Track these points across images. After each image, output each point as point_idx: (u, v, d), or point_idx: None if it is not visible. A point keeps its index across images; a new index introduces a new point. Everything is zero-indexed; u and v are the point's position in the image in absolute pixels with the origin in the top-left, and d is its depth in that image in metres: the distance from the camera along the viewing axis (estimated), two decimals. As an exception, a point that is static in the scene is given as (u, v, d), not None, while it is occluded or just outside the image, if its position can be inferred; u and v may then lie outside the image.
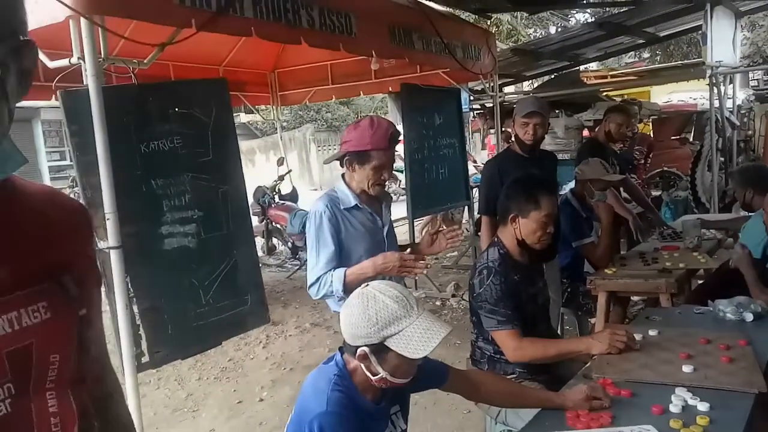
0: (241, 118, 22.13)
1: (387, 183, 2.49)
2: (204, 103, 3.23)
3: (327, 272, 2.34)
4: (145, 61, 3.12)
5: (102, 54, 2.82)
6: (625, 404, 1.77)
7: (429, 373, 1.76)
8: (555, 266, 3.49)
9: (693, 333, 2.24)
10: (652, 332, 2.28)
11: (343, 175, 2.49)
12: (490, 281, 2.27)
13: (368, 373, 1.54)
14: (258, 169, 20.47)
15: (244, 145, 21.83)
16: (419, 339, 1.48)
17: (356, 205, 2.43)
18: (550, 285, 3.35)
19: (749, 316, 2.37)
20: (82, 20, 2.70)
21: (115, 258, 2.80)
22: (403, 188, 9.17)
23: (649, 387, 1.86)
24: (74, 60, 2.80)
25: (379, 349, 1.50)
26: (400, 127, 6.93)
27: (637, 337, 2.22)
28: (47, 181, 19.01)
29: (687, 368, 1.92)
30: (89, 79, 2.73)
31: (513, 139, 3.73)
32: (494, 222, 3.57)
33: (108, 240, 2.80)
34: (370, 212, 2.49)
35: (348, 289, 2.28)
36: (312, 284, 2.39)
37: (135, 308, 2.93)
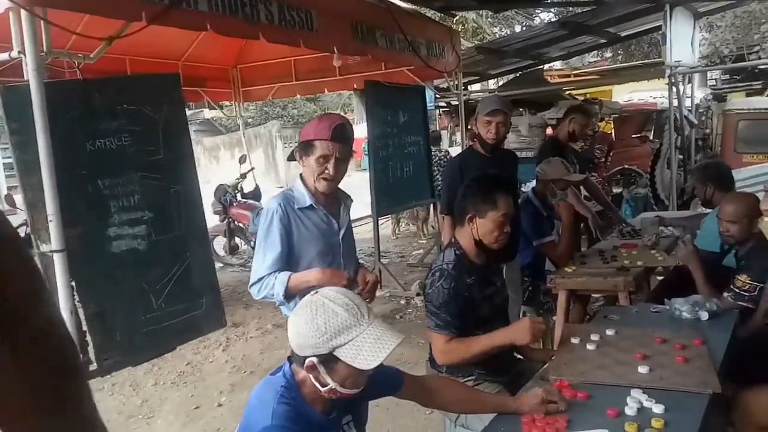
0: (205, 114, 21.81)
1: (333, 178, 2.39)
2: (154, 99, 3.11)
3: (271, 273, 2.30)
4: (91, 56, 2.98)
5: (44, 48, 2.68)
6: (581, 407, 1.75)
7: (382, 381, 1.71)
8: (516, 265, 3.48)
9: (649, 333, 2.23)
10: (609, 332, 2.27)
11: (301, 175, 2.44)
12: (440, 284, 2.24)
13: (317, 384, 1.48)
14: (222, 166, 20.16)
15: (208, 141, 21.51)
16: (369, 349, 1.41)
17: (311, 205, 2.38)
18: (511, 284, 3.35)
19: (705, 315, 2.38)
20: (23, 12, 2.56)
21: (58, 261, 2.68)
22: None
23: (605, 389, 1.84)
24: (14, 54, 2.65)
25: (328, 360, 1.44)
26: (364, 125, 6.92)
27: (595, 337, 2.21)
28: (1, 178, 18.39)
29: (642, 369, 1.91)
30: (30, 74, 2.60)
31: (476, 137, 3.71)
32: (454, 220, 3.56)
33: (51, 243, 2.67)
34: (325, 213, 2.43)
35: (289, 294, 2.27)
36: (254, 283, 2.35)
37: (81, 314, 2.81)
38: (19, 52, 2.65)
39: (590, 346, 2.13)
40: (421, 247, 8.44)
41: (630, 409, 1.69)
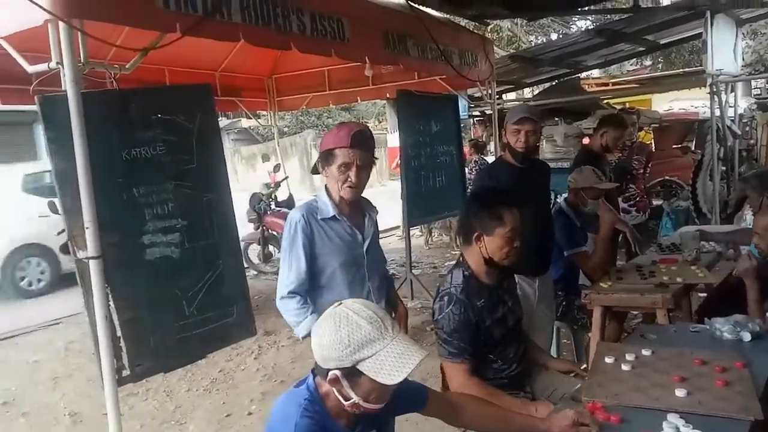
0: (243, 123, 22.15)
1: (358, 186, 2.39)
2: (188, 109, 3.15)
3: (304, 305, 2.36)
4: (127, 66, 3.04)
5: (82, 58, 2.75)
6: (614, 431, 1.68)
7: (407, 396, 1.68)
8: (548, 279, 3.39)
9: (688, 353, 2.14)
10: (645, 352, 2.18)
11: (326, 186, 2.44)
12: (450, 310, 2.18)
13: (340, 398, 1.45)
14: (258, 175, 20.45)
15: (245, 150, 21.85)
16: (393, 364, 1.39)
17: (334, 216, 2.38)
18: (544, 299, 3.27)
19: (747, 336, 2.27)
20: (61, 24, 2.63)
21: (94, 268, 2.72)
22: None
23: (640, 412, 1.77)
24: (53, 65, 2.72)
25: (352, 373, 1.41)
26: (398, 134, 6.90)
27: (630, 357, 2.13)
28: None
29: (680, 392, 1.83)
30: (68, 84, 2.66)
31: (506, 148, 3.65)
32: None
33: (87, 249, 2.72)
34: (349, 225, 2.41)
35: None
36: (282, 298, 2.40)
37: (115, 319, 2.85)
38: (57, 63, 2.71)
39: (625, 367, 2.05)
40: (453, 258, 8.36)
41: (666, 435, 1.62)
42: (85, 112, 2.66)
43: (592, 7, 7.47)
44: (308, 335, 2.29)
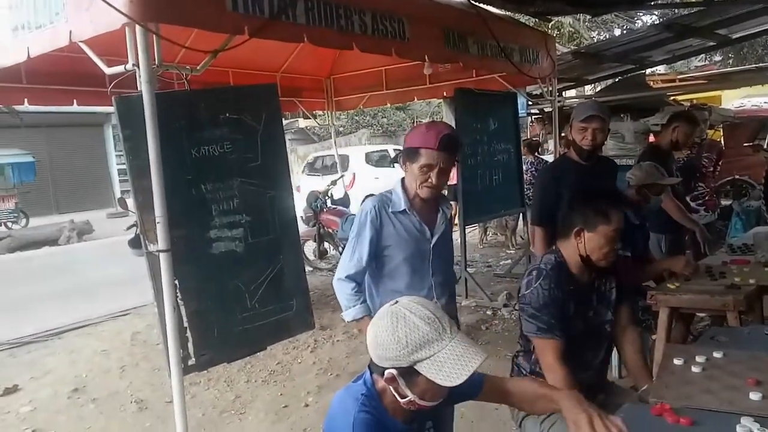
0: (300, 123, 22.55)
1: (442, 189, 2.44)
2: (254, 108, 3.25)
3: (357, 290, 2.44)
4: (198, 68, 3.16)
5: (156, 60, 2.88)
6: (684, 434, 1.63)
7: (462, 387, 1.67)
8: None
9: (763, 356, 2.05)
10: (717, 354, 2.09)
11: (402, 179, 2.47)
12: (539, 284, 2.14)
13: (396, 395, 1.46)
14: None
15: (301, 149, 22.23)
16: (452, 365, 1.37)
17: (405, 210, 2.40)
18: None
19: (828, 341, 2.16)
20: (138, 28, 2.76)
21: (164, 261, 2.84)
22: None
23: (711, 415, 1.70)
24: (129, 66, 2.86)
25: (409, 373, 1.41)
26: (454, 133, 6.88)
27: (700, 359, 2.06)
28: (116, 183, 19.93)
29: (755, 395, 1.75)
30: (143, 85, 2.79)
31: (571, 145, 3.58)
32: (548, 232, 3.42)
33: (158, 243, 2.85)
34: (418, 220, 2.43)
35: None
36: (339, 280, 2.47)
37: (182, 311, 2.97)
38: (133, 65, 2.85)
39: (695, 369, 1.98)
40: (508, 257, 8.26)
41: (740, 439, 1.56)
42: (158, 111, 2.78)
43: (660, 1, 7.19)
44: (353, 320, 2.46)
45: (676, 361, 2.06)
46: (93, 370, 4.97)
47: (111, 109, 3.06)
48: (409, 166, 2.35)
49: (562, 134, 7.05)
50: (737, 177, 8.38)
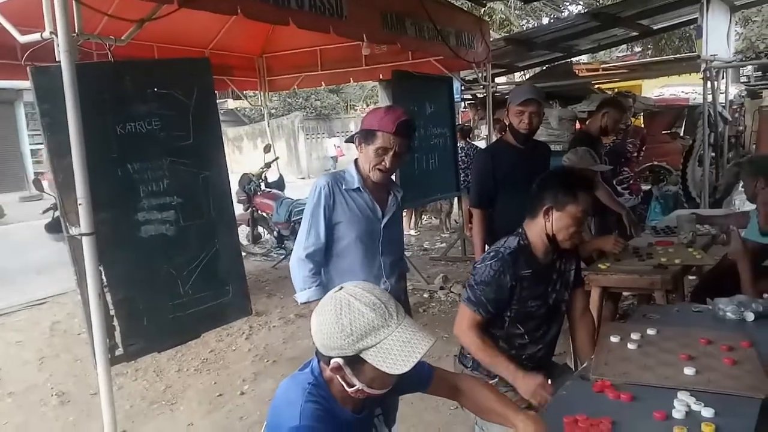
0: (229, 104, 21.91)
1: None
2: (185, 83, 3.08)
3: (315, 272, 2.40)
4: (122, 38, 2.95)
5: (76, 29, 2.65)
6: (625, 409, 1.67)
7: (412, 376, 1.64)
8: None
9: (693, 333, 2.14)
10: (650, 331, 2.18)
11: (356, 160, 2.48)
12: (491, 263, 2.19)
13: (344, 384, 1.41)
14: (245, 156, 20.28)
15: (231, 131, 21.63)
16: (398, 353, 1.32)
17: (358, 188, 2.42)
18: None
19: (750, 316, 2.28)
20: (55, -8, 2.53)
21: (87, 245, 2.65)
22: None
23: (650, 390, 1.76)
24: (46, 35, 2.62)
25: (355, 361, 1.36)
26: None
27: (636, 336, 2.13)
28: (29, 164, 18.69)
29: (689, 371, 1.83)
30: (62, 55, 2.56)
31: (507, 128, 3.61)
32: (486, 215, 3.46)
33: (80, 226, 2.65)
34: (371, 199, 2.45)
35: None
36: (299, 259, 2.41)
37: (108, 298, 2.79)
38: (51, 33, 2.62)
39: (631, 346, 2.05)
40: (443, 240, 8.36)
41: (678, 413, 1.61)
42: (79, 84, 2.57)
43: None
44: (306, 302, 2.41)
45: (613, 339, 2.13)
46: (8, 362, 4.65)
47: (23, 85, 2.81)
48: (365, 148, 2.36)
49: (496, 118, 7.17)
50: (656, 163, 8.83)
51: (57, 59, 2.60)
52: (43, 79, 2.68)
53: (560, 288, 2.33)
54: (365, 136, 2.36)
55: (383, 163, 2.34)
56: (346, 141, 2.57)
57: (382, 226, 2.48)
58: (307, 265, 2.40)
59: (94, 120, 2.70)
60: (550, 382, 2.11)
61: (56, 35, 2.59)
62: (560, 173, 2.34)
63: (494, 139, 6.87)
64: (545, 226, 2.19)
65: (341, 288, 1.41)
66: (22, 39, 2.77)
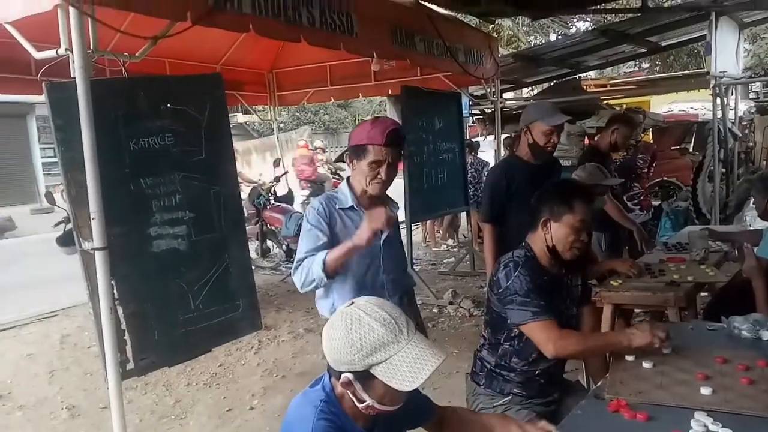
0: (238, 118, 21.99)
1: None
2: (198, 99, 3.11)
3: (307, 257, 2.29)
4: (136, 55, 2.99)
5: (91, 46, 2.69)
6: (641, 429, 1.65)
7: (414, 408, 1.63)
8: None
9: (708, 351, 2.12)
10: (665, 350, 2.15)
11: (348, 178, 2.44)
12: (519, 273, 2.13)
13: (354, 400, 1.41)
14: (254, 170, 20.34)
15: (240, 145, 21.69)
16: (408, 369, 1.32)
17: (352, 206, 2.37)
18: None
19: (766, 335, 2.25)
20: (71, 10, 2.57)
21: (100, 259, 2.66)
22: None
23: (666, 410, 1.74)
24: (62, 51, 2.66)
25: (365, 377, 1.36)
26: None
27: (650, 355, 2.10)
28: (40, 177, 18.84)
29: (705, 390, 1.80)
30: (77, 71, 2.59)
31: (519, 144, 3.62)
32: (498, 230, 3.46)
33: (93, 240, 2.67)
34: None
35: (329, 271, 2.23)
36: (294, 270, 2.33)
37: (120, 312, 2.80)
38: (66, 49, 2.65)
39: (646, 364, 2.02)
40: (452, 255, 8.34)
41: (695, 433, 1.59)
42: (94, 100, 2.60)
43: (599, 6, 7.46)
44: (328, 272, 2.23)
45: (628, 357, 2.10)
46: (19, 375, 4.65)
47: (35, 99, 2.85)
48: (357, 164, 2.32)
49: (507, 135, 7.18)
50: (665, 179, 8.78)
51: (72, 75, 2.63)
52: (58, 95, 2.71)
53: (569, 303, 2.32)
54: (356, 152, 2.31)
55: (379, 176, 2.29)
56: (336, 161, 2.54)
57: (381, 242, 2.40)
58: (306, 262, 2.29)
59: (107, 135, 2.73)
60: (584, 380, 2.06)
61: (72, 52, 2.62)
62: (557, 185, 2.32)
63: (503, 154, 6.91)
64: (545, 238, 2.18)
65: (352, 303, 1.42)
66: (38, 55, 2.82)
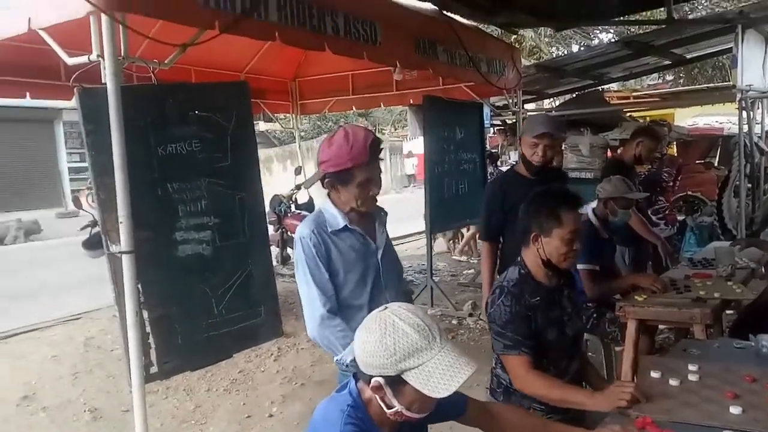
0: (260, 126, 22.22)
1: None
2: (225, 106, 3.15)
3: (339, 323, 2.14)
4: (165, 62, 3.04)
5: (122, 52, 2.75)
6: (668, 447, 1.63)
7: (446, 404, 1.62)
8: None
9: (736, 369, 2.08)
10: (691, 367, 2.11)
11: (329, 194, 2.25)
12: (500, 301, 2.13)
13: (382, 405, 1.41)
14: (275, 178, 20.49)
15: (261, 153, 21.83)
16: (441, 376, 1.33)
17: (345, 226, 2.20)
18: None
19: (796, 354, 2.21)
20: (103, 17, 2.63)
21: (126, 263, 2.70)
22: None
23: (693, 429, 1.71)
24: (93, 57, 2.72)
25: (396, 381, 1.36)
26: (420, 140, 6.84)
27: (678, 371, 2.07)
28: (66, 181, 19.19)
29: (735, 409, 1.76)
30: (108, 78, 2.65)
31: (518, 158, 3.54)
32: (495, 248, 3.40)
33: (120, 244, 2.71)
34: (361, 234, 2.26)
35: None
36: (322, 320, 2.16)
37: (145, 316, 2.83)
38: (98, 56, 2.71)
39: (673, 382, 1.99)
40: (471, 266, 8.30)
41: (724, 452, 1.56)
42: (124, 106, 2.65)
43: (624, 18, 7.41)
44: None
45: (654, 374, 2.07)
46: (43, 377, 4.72)
47: (63, 104, 2.92)
48: (343, 189, 2.15)
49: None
50: (690, 193, 8.68)
51: (103, 81, 2.68)
52: (89, 101, 2.77)
53: (572, 313, 2.28)
54: (340, 179, 2.13)
55: (372, 192, 2.17)
56: (305, 187, 2.39)
57: (379, 258, 2.28)
58: (332, 321, 2.15)
59: (137, 140, 2.78)
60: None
61: (103, 58, 2.68)
62: (540, 197, 2.22)
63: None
64: (538, 253, 2.16)
65: (386, 308, 1.42)
66: (70, 61, 2.88)
